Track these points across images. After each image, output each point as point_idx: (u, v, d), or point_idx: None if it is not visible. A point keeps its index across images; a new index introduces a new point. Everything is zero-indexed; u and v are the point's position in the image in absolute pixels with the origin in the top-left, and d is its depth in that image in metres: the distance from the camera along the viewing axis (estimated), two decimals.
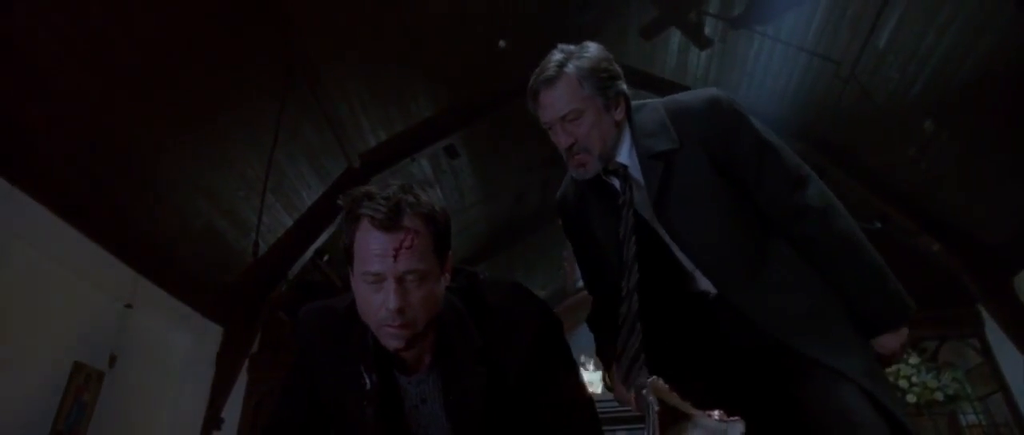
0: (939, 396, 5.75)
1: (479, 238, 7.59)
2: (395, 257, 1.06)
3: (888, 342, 1.40)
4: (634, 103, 1.51)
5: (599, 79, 1.42)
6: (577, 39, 1.52)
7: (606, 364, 1.50)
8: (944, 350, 6.27)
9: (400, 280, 1.07)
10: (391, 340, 1.11)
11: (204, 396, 4.63)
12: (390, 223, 1.06)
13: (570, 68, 1.42)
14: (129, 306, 3.85)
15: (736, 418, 1.08)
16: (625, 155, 1.46)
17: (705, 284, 1.43)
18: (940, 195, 4.87)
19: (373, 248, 1.07)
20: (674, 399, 1.15)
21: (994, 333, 5.35)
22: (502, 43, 4.79)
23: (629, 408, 1.34)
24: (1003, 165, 4.36)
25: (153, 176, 3.82)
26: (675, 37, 4.99)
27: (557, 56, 1.45)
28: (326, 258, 5.48)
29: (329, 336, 1.26)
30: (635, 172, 1.45)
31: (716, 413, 1.09)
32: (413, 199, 1.09)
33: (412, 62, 4.79)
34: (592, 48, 1.47)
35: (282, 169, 4.60)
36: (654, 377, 1.22)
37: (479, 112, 5.52)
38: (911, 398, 5.77)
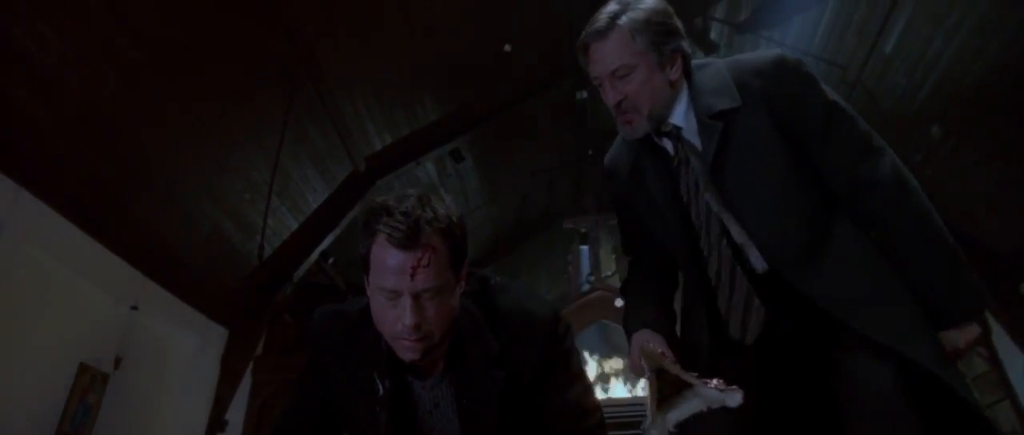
0: None
1: (484, 241, 7.59)
2: (412, 275, 1.05)
3: (954, 338, 1.27)
4: (695, 62, 1.42)
5: (654, 33, 1.33)
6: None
7: (630, 331, 1.43)
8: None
9: (416, 297, 1.07)
10: (407, 352, 1.11)
11: (209, 398, 4.64)
12: (408, 242, 1.05)
13: (623, 20, 1.33)
14: (135, 308, 3.86)
15: (734, 387, 1.06)
16: (681, 116, 1.37)
17: (756, 260, 1.32)
18: (946, 202, 4.85)
19: (390, 265, 1.06)
20: (670, 366, 1.15)
21: (1001, 341, 5.31)
22: (507, 47, 4.80)
23: (629, 413, 1.34)
24: (1011, 172, 4.34)
25: (160, 179, 3.84)
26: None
27: (611, 7, 1.37)
28: (331, 261, 5.48)
29: (342, 340, 1.26)
30: (690, 135, 1.37)
31: (714, 381, 1.08)
32: (431, 214, 1.08)
33: (418, 66, 4.80)
34: (649, 0, 1.37)
35: (288, 172, 4.61)
36: (645, 342, 1.21)
37: (484, 116, 5.52)
38: None
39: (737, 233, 1.33)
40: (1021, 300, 4.89)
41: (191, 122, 3.79)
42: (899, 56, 4.23)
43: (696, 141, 1.36)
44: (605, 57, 1.35)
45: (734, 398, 1.05)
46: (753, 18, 4.48)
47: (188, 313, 4.49)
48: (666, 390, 1.13)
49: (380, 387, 1.18)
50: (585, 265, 8.33)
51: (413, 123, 5.29)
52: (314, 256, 5.18)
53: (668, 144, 1.41)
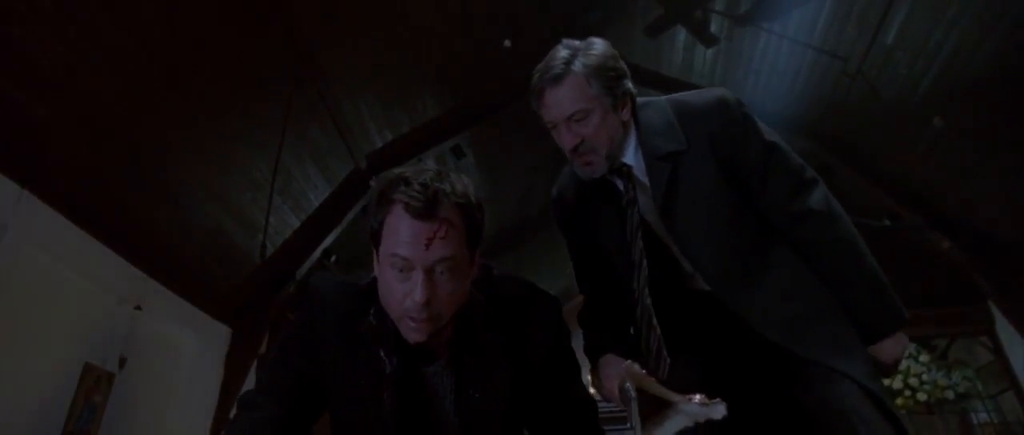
0: (950, 394, 5.72)
1: (486, 238, 7.53)
2: (427, 245, 1.01)
3: (889, 350, 1.37)
4: (639, 100, 1.47)
5: (607, 78, 1.38)
6: (583, 37, 1.48)
7: (593, 360, 1.48)
8: (954, 348, 6.24)
9: (429, 271, 1.02)
10: (412, 333, 1.06)
11: (213, 396, 4.65)
12: (426, 212, 1.01)
13: (577, 66, 1.37)
14: (139, 308, 3.87)
15: (717, 400, 1.08)
16: (631, 155, 1.43)
17: (703, 283, 1.41)
18: (949, 192, 4.84)
19: (405, 234, 1.02)
20: (653, 386, 1.16)
21: (1005, 330, 5.32)
22: (507, 43, 4.80)
23: (614, 408, 1.35)
24: (1013, 161, 4.33)
25: (162, 179, 3.84)
26: (681, 35, 4.97)
27: (563, 53, 1.40)
28: (333, 259, 5.49)
29: (345, 312, 1.18)
30: (639, 172, 1.42)
31: (697, 397, 1.10)
32: (450, 188, 1.05)
33: (418, 63, 4.80)
34: (598, 45, 1.42)
35: (289, 171, 4.62)
36: (628, 362, 1.23)
37: (485, 112, 5.52)
38: (921, 396, 5.74)
39: (685, 263, 1.42)
40: None
41: (192, 122, 3.80)
42: (900, 47, 4.22)
43: (644, 180, 1.41)
44: (561, 102, 1.37)
45: (718, 411, 1.07)
46: (753, 10, 4.47)
47: (191, 312, 4.50)
48: (650, 409, 1.15)
49: (387, 364, 1.13)
50: None
51: (414, 120, 5.30)
52: (317, 254, 5.19)
53: (618, 182, 1.45)
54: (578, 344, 1.27)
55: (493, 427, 1.16)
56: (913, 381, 5.68)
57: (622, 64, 1.43)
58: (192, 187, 4.07)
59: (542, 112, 1.43)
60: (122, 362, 3.78)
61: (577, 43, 1.42)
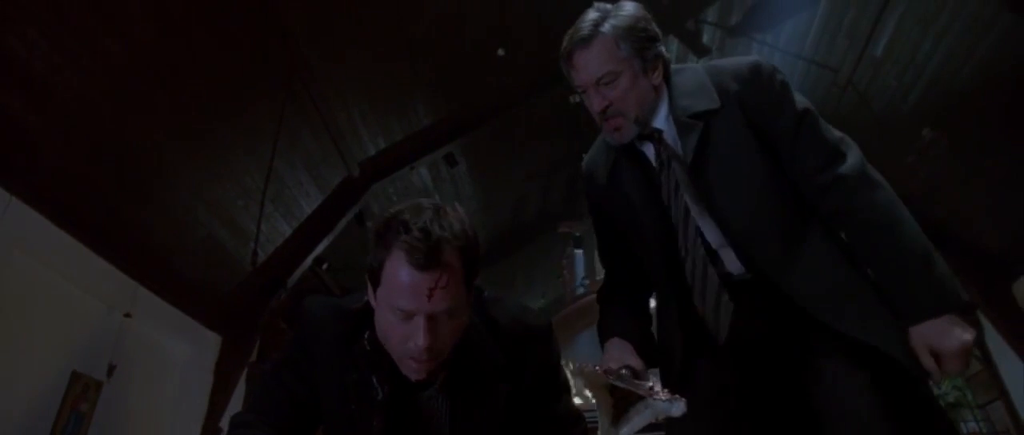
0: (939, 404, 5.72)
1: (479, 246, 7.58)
2: (429, 297, 1.01)
3: (933, 336, 1.14)
4: (673, 67, 1.44)
5: (637, 39, 1.34)
6: None
7: (603, 338, 1.46)
8: None
9: (431, 317, 1.03)
10: (413, 372, 1.08)
11: (203, 405, 4.61)
12: (427, 263, 1.00)
13: (606, 28, 1.34)
14: (128, 315, 3.84)
15: (677, 397, 1.07)
16: (661, 120, 1.39)
17: (731, 264, 1.35)
18: (938, 202, 4.88)
19: (406, 285, 1.01)
20: (616, 380, 1.15)
21: (994, 340, 5.34)
22: (501, 52, 4.81)
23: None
24: (1002, 172, 4.37)
25: (152, 185, 3.82)
26: (673, 45, 5.01)
27: (592, 15, 1.37)
28: (325, 266, 5.47)
29: (338, 337, 1.19)
30: (670, 138, 1.38)
31: (661, 392, 1.09)
32: (449, 232, 1.04)
33: (411, 71, 4.80)
34: (629, 6, 1.39)
35: (281, 178, 4.60)
36: (581, 364, 1.22)
37: (478, 121, 5.52)
38: None
39: (713, 235, 1.36)
40: (1014, 300, 4.92)
41: (183, 128, 3.78)
42: (890, 58, 4.26)
43: (676, 144, 1.37)
44: (589, 65, 1.35)
45: (678, 407, 1.06)
46: (745, 21, 4.51)
47: (181, 320, 4.47)
48: (619, 404, 1.15)
49: (379, 392, 1.14)
50: (580, 269, 8.35)
51: (407, 128, 5.29)
52: (308, 262, 5.17)
53: (649, 149, 1.43)
54: (575, 350, 1.28)
55: None
56: None
57: (654, 26, 1.39)
58: (183, 194, 4.05)
59: (572, 75, 1.40)
60: (111, 370, 3.74)
61: (607, 6, 1.39)
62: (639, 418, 1.10)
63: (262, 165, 4.24)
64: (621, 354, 1.35)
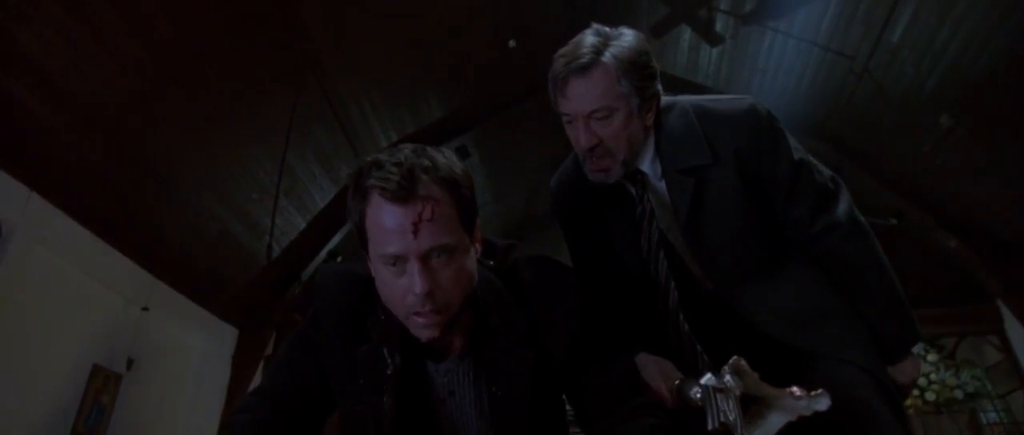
0: (958, 394, 5.68)
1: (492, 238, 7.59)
2: (415, 233, 0.90)
3: (909, 369, 1.33)
4: (662, 102, 1.34)
5: (639, 75, 1.24)
6: None
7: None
8: (963, 347, 6.19)
9: (425, 259, 0.92)
10: (423, 330, 0.96)
11: (221, 397, 4.67)
12: (405, 193, 0.90)
13: (607, 57, 1.22)
14: (146, 309, 3.89)
15: (820, 391, 0.97)
16: (647, 163, 1.31)
17: (712, 287, 1.37)
18: (957, 190, 4.81)
19: (388, 225, 0.91)
20: (755, 382, 1.02)
21: (1014, 330, 5.28)
22: (512, 43, 4.79)
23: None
24: (1020, 159, 4.30)
25: (168, 180, 3.86)
26: (686, 34, 4.96)
27: (591, 39, 1.26)
28: (339, 259, 5.50)
29: (348, 305, 1.08)
30: (655, 181, 1.32)
31: (796, 390, 0.98)
32: (429, 162, 0.94)
33: (423, 63, 4.80)
34: (630, 36, 1.28)
35: (295, 172, 4.63)
36: (737, 357, 1.06)
37: (490, 112, 5.52)
38: (930, 396, 5.70)
39: (694, 269, 1.35)
40: None
41: (198, 123, 3.81)
42: (906, 45, 4.19)
43: (662, 190, 1.31)
44: (585, 95, 1.23)
45: (822, 402, 0.97)
46: (759, 9, 4.45)
47: (198, 313, 4.52)
48: (749, 408, 1.02)
49: (389, 364, 1.02)
50: None
51: (418, 121, 5.30)
52: (322, 255, 5.20)
53: (631, 188, 1.35)
54: None
55: (519, 426, 1.03)
56: (921, 381, 5.64)
57: (654, 62, 1.30)
58: (199, 189, 4.08)
59: (561, 103, 1.28)
60: (130, 363, 3.80)
61: (607, 30, 1.30)
62: (770, 421, 0.99)
63: (275, 159, 4.26)
64: (661, 367, 1.28)
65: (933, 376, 5.72)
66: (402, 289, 0.94)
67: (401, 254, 0.92)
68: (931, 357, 5.79)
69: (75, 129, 3.22)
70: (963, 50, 3.98)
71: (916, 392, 5.73)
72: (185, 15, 3.36)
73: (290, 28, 3.93)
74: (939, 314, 5.34)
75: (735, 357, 1.00)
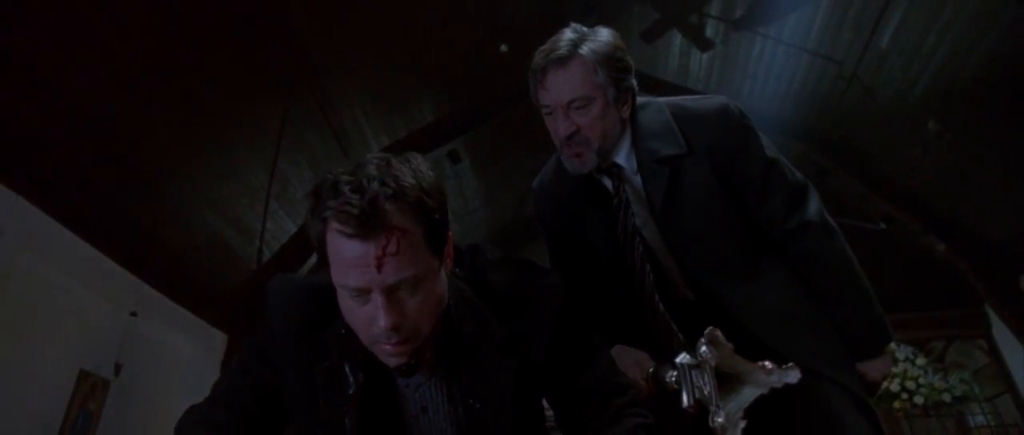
0: (946, 397, 5.71)
1: (482, 242, 7.59)
2: (379, 267, 0.82)
3: (878, 368, 1.36)
4: (638, 100, 1.40)
5: (614, 68, 1.31)
6: None
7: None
8: (951, 351, 6.23)
9: (390, 292, 0.84)
10: (390, 358, 0.90)
11: None
12: (365, 229, 0.81)
13: (585, 50, 1.29)
14: (134, 314, 3.86)
15: (790, 364, 0.99)
16: (623, 156, 1.37)
17: (686, 292, 1.39)
18: (945, 195, 4.85)
19: (348, 259, 0.83)
20: (729, 353, 1.01)
21: (1001, 333, 5.33)
22: (504, 47, 4.80)
23: None
24: (1008, 163, 4.35)
25: (157, 185, 3.83)
26: (676, 40, 4.98)
27: (569, 35, 1.33)
28: None
29: (307, 319, 0.99)
30: (631, 175, 1.37)
31: (768, 364, 0.99)
32: (393, 186, 0.84)
33: (414, 68, 4.80)
34: (605, 33, 1.35)
35: (286, 177, 4.61)
36: (712, 327, 1.06)
37: (481, 117, 5.52)
38: (918, 399, 5.73)
39: (672, 269, 1.38)
40: (1021, 293, 4.90)
41: (189, 128, 3.79)
42: (895, 51, 4.23)
43: (638, 183, 1.36)
44: (564, 86, 1.29)
45: (793, 375, 0.99)
46: (749, 15, 4.48)
47: (187, 318, 4.49)
48: (723, 384, 1.02)
49: (351, 382, 0.94)
50: None
51: (410, 125, 5.30)
52: (313, 260, 5.17)
53: (608, 182, 1.40)
54: None
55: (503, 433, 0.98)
56: (910, 384, 5.67)
57: (628, 58, 1.36)
58: (189, 193, 4.06)
59: (540, 95, 1.34)
60: (118, 368, 3.76)
61: (584, 28, 1.36)
62: (742, 395, 1.00)
63: (267, 164, 4.25)
64: (635, 356, 1.33)
65: (922, 380, 5.75)
66: (366, 316, 0.87)
67: (364, 287, 0.84)
68: (920, 361, 5.83)
69: (64, 133, 3.20)
70: (951, 55, 4.02)
71: (904, 395, 5.77)
72: (175, 20, 3.35)
73: (282, 34, 3.92)
74: (927, 318, 5.38)
75: (711, 327, 1.00)
